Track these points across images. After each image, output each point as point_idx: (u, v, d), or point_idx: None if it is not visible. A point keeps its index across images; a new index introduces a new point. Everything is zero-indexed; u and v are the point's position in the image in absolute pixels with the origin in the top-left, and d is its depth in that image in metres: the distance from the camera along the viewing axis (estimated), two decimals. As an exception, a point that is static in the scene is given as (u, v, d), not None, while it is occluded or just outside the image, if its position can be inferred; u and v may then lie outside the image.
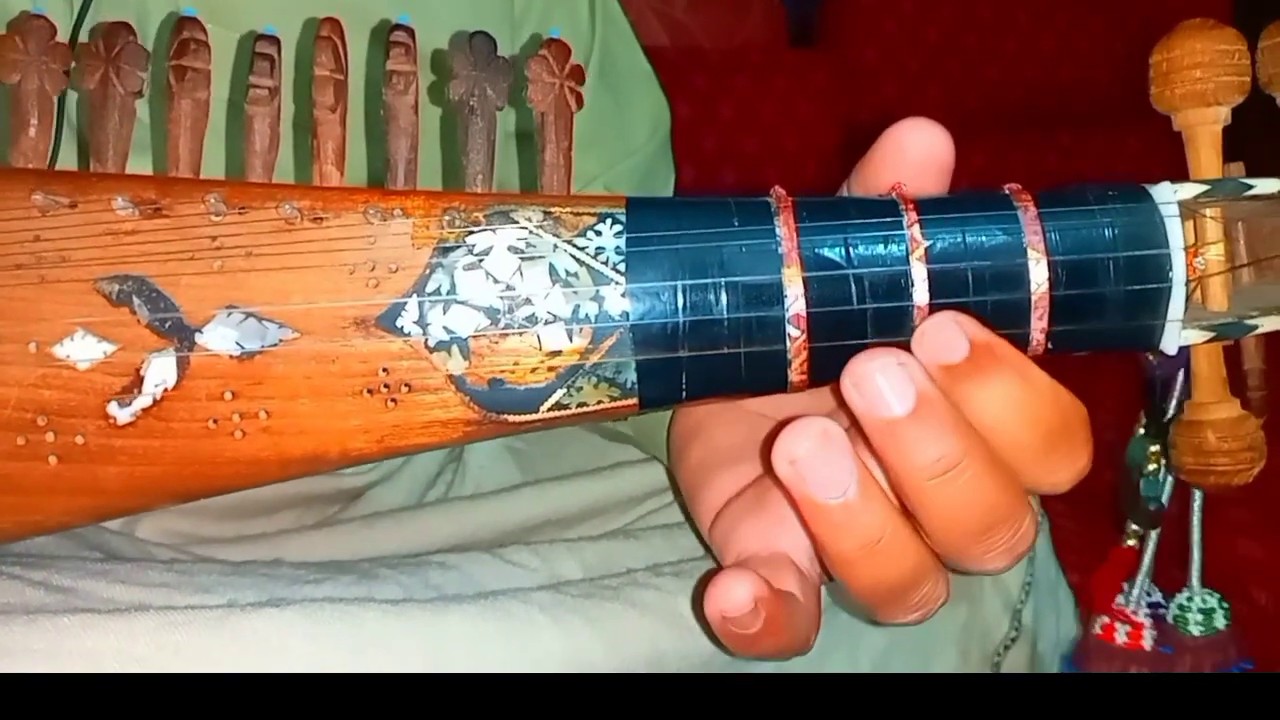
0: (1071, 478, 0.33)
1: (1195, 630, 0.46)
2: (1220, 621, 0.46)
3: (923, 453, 0.30)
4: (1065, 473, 0.32)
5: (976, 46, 1.72)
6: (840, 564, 0.32)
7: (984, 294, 0.32)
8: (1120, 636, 0.47)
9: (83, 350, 0.31)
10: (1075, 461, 0.32)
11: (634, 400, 0.32)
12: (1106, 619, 0.48)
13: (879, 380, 0.30)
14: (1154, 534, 0.45)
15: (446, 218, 0.31)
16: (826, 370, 0.32)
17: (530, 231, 0.31)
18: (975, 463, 0.31)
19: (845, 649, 0.48)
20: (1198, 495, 0.42)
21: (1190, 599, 0.46)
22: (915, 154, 0.33)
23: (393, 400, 0.31)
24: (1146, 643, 0.47)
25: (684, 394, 0.32)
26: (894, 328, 0.31)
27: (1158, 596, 0.47)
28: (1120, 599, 0.48)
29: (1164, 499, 0.41)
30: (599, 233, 0.32)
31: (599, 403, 0.32)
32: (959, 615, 0.53)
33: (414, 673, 0.36)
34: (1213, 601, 0.46)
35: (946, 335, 0.31)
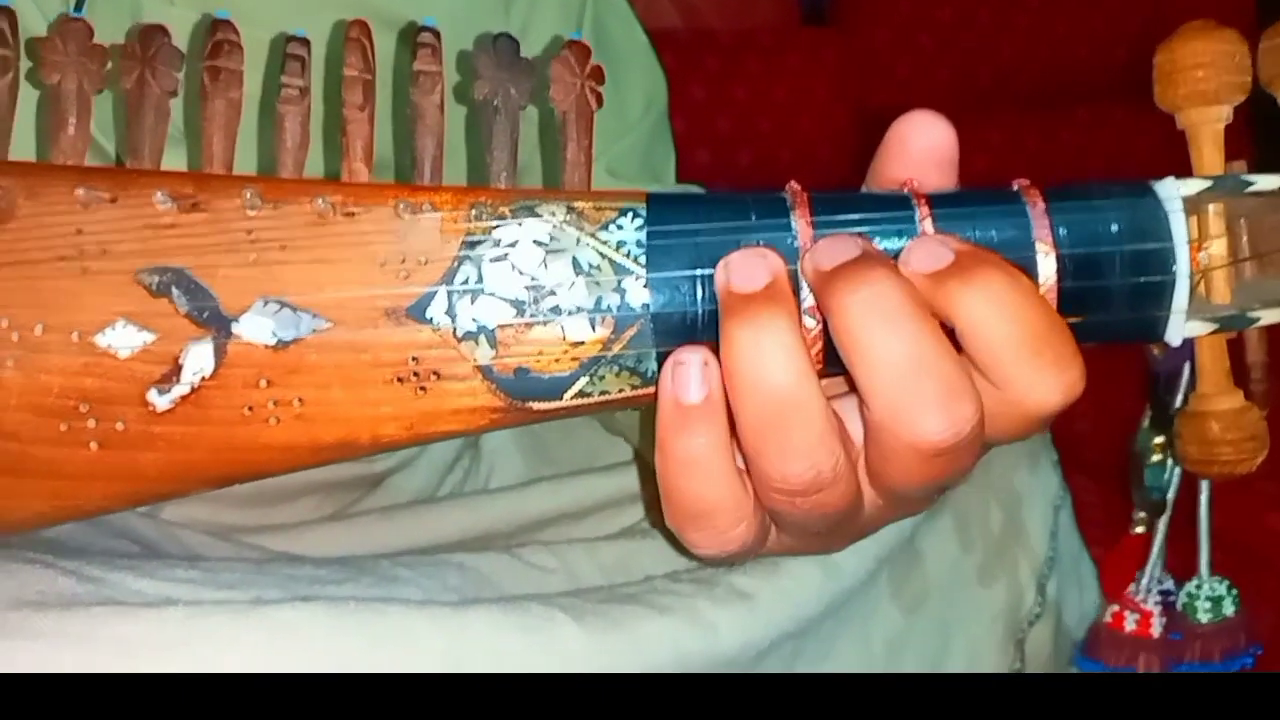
0: (1061, 390, 0.31)
1: (1204, 618, 0.46)
2: (1229, 608, 0.46)
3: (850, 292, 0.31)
4: (1054, 381, 0.31)
5: (989, 24, 1.70)
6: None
7: None
8: (1129, 624, 0.48)
9: (124, 339, 0.32)
10: (1064, 370, 0.31)
11: (654, 389, 0.33)
12: (1116, 607, 0.49)
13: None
14: (1163, 523, 0.45)
15: (474, 212, 0.32)
16: (840, 360, 0.32)
17: (554, 225, 0.32)
18: (906, 303, 0.30)
19: (858, 626, 0.49)
20: (1205, 485, 0.43)
21: (1199, 586, 0.46)
22: (916, 148, 0.34)
23: (422, 388, 0.32)
24: (1155, 630, 0.47)
25: (702, 383, 0.33)
26: None
27: (1169, 584, 0.48)
28: (1132, 587, 0.48)
29: (1168, 489, 0.42)
30: (620, 226, 0.32)
31: (620, 391, 0.33)
32: (997, 597, 0.54)
33: (435, 673, 0.36)
34: (1221, 589, 0.46)
35: (931, 246, 0.31)
